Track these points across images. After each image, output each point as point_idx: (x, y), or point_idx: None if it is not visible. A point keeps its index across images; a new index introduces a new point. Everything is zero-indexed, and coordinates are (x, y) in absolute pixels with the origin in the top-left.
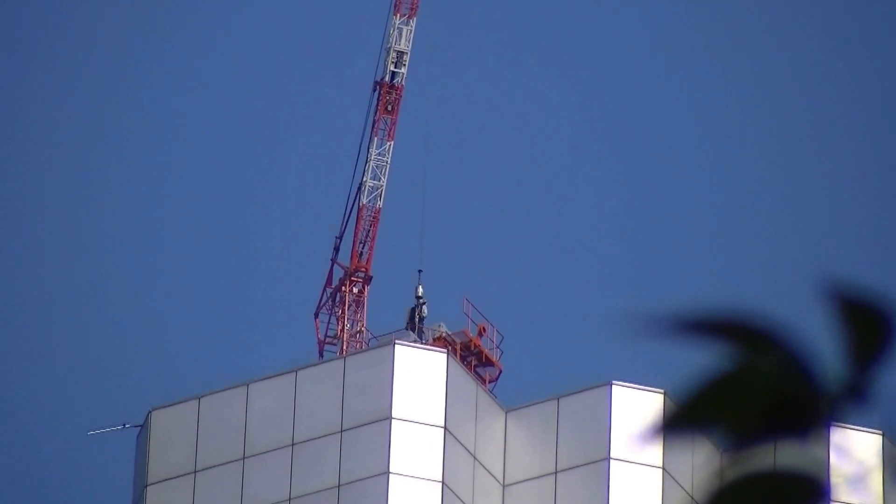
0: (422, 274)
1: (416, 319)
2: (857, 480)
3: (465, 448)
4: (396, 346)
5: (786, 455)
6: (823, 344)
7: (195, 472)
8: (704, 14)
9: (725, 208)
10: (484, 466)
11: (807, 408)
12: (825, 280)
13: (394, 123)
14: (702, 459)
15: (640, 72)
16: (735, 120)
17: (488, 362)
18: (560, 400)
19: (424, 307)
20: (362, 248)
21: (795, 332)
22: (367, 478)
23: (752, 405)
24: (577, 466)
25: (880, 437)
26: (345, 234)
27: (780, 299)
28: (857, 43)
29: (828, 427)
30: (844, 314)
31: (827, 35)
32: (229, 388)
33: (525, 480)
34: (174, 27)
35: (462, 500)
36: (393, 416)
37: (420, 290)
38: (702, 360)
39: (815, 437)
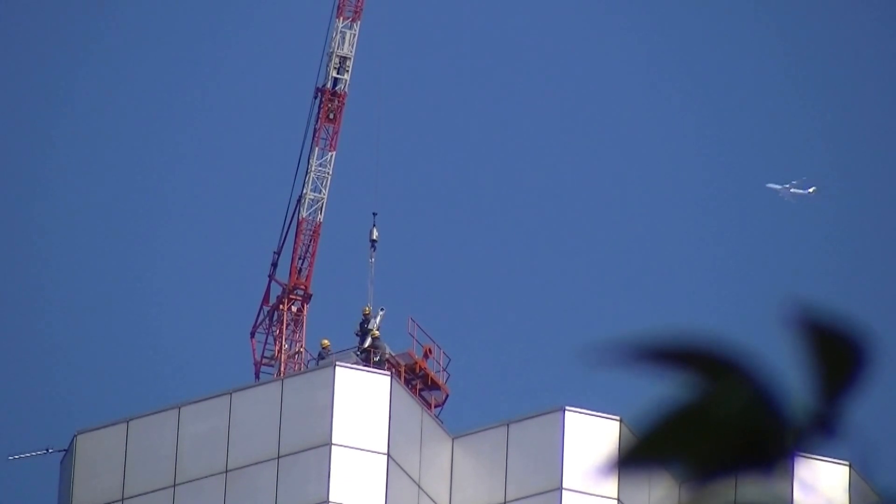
0: (376, 217)
1: (370, 239)
2: None
3: (409, 476)
4: (337, 368)
5: (748, 489)
6: (790, 373)
7: (123, 499)
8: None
9: (685, 233)
10: (429, 496)
11: (771, 440)
12: (792, 307)
13: (336, 132)
14: (660, 491)
15: (599, 80)
16: (689, 147)
17: (434, 386)
18: (510, 426)
19: (375, 235)
20: (301, 265)
21: (761, 361)
22: None
23: (714, 438)
24: (528, 496)
25: (848, 469)
26: (283, 250)
27: (744, 327)
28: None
29: (792, 460)
30: (812, 342)
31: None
32: (160, 411)
33: None
34: (100, 29)
35: None
36: (333, 441)
37: (375, 233)
38: (661, 388)
39: (780, 471)
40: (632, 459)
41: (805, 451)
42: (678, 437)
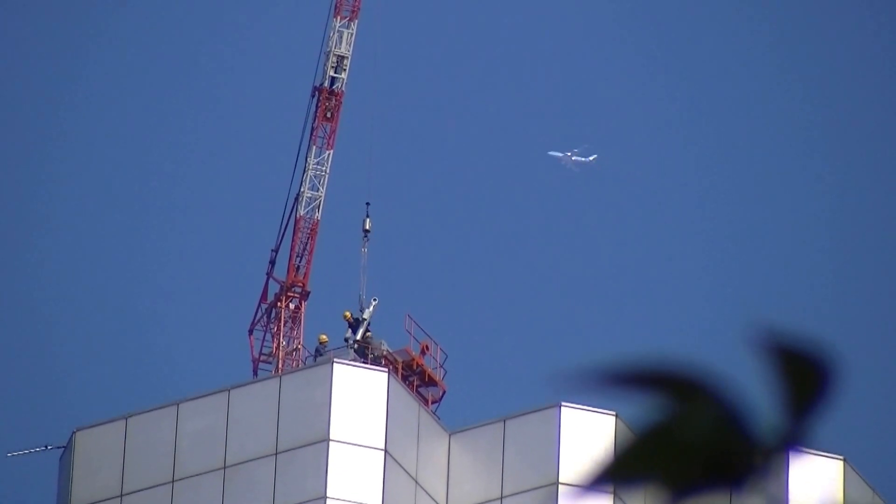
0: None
1: (364, 228)
2: None
3: (407, 472)
4: (335, 364)
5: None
6: (758, 394)
7: (121, 495)
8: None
9: (660, 256)
10: (426, 491)
11: (740, 459)
12: (759, 329)
13: (333, 131)
14: (648, 491)
15: (595, 80)
16: (667, 161)
17: (431, 382)
18: (506, 422)
19: (368, 225)
20: (299, 262)
21: (730, 382)
22: (304, 502)
23: (685, 458)
24: (525, 491)
25: (842, 464)
26: (281, 247)
27: (714, 350)
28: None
29: (767, 475)
30: (779, 363)
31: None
32: (158, 408)
33: None
34: (99, 29)
35: None
36: (331, 437)
37: (368, 223)
38: (645, 396)
39: (753, 487)
40: (610, 477)
41: (781, 466)
42: (651, 458)
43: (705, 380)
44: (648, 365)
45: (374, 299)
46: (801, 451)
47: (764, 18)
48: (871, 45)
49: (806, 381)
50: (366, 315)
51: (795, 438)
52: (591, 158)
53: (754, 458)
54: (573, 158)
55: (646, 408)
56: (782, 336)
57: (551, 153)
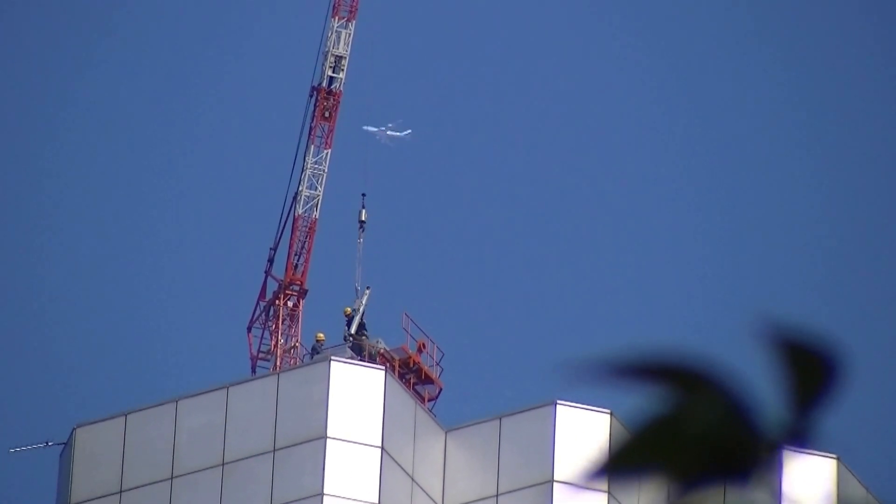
0: (365, 197)
1: (360, 221)
2: None
3: (403, 469)
4: (332, 362)
5: (731, 498)
6: (764, 387)
7: (121, 492)
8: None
9: (662, 250)
10: (422, 488)
11: (745, 452)
12: (765, 321)
13: (331, 131)
14: (650, 484)
15: (592, 81)
16: (670, 160)
17: (428, 380)
18: (502, 419)
19: (364, 216)
20: (297, 261)
21: (735, 374)
22: (301, 499)
23: (689, 451)
24: (520, 489)
25: (835, 462)
26: (279, 246)
27: (719, 342)
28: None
29: (768, 470)
30: (784, 356)
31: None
32: (157, 405)
33: (465, 503)
34: (98, 29)
35: None
36: (328, 435)
37: (363, 214)
38: (648, 389)
39: (755, 482)
40: (611, 469)
41: (780, 461)
42: (654, 450)
43: (709, 372)
44: (651, 357)
45: (368, 288)
46: (805, 446)
47: (744, 5)
48: (864, 40)
49: (811, 374)
50: (357, 305)
51: (800, 432)
52: (405, 133)
53: (758, 451)
54: (388, 133)
55: (648, 400)
56: (787, 329)
57: (365, 128)
